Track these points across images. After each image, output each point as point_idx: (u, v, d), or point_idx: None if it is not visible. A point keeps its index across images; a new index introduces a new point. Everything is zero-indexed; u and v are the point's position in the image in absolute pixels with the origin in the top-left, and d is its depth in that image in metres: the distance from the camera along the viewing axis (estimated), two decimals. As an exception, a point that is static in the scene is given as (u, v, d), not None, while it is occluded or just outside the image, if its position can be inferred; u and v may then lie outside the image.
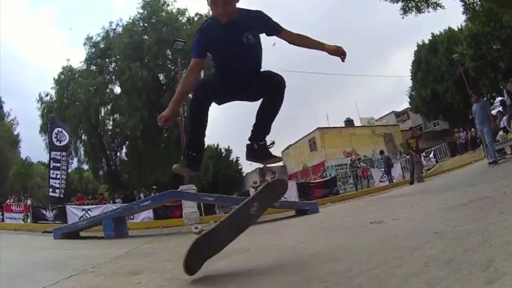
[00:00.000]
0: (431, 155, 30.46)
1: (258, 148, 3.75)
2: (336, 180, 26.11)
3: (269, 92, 3.66)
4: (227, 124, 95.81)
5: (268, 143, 3.85)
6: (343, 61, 3.55)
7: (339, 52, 3.51)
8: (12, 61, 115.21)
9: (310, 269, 2.88)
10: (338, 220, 7.00)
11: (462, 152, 29.50)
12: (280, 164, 52.74)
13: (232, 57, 3.50)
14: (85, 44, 36.12)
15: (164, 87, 34.50)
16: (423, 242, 2.91)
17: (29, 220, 22.57)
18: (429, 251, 2.55)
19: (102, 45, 36.01)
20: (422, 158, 23.42)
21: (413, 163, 17.11)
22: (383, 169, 27.19)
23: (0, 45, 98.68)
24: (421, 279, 1.94)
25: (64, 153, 20.15)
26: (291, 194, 20.96)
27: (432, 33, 44.31)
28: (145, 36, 34.41)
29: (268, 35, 3.62)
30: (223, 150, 54.23)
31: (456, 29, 41.89)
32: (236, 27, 3.36)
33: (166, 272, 3.55)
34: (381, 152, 29.41)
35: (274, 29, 3.57)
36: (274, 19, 3.57)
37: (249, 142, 3.82)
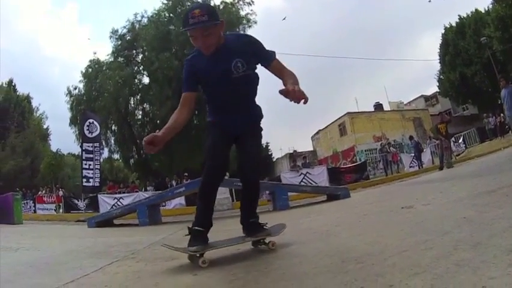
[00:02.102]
0: (460, 140, 29.76)
1: (247, 225, 3.65)
2: (366, 165, 26.06)
3: (243, 180, 3.58)
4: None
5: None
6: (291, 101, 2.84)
7: (290, 93, 2.79)
8: (37, 58, 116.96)
9: (346, 251, 2.95)
10: (369, 205, 7.10)
11: (491, 138, 28.80)
12: (311, 148, 52.75)
13: (221, 89, 3.38)
14: (110, 37, 36.52)
15: None
16: (452, 226, 3.00)
17: (61, 210, 23.29)
18: (458, 235, 2.64)
19: (128, 37, 36.24)
20: (452, 143, 23.15)
21: (443, 148, 16.92)
22: (413, 154, 26.69)
23: (22, 41, 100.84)
24: (450, 260, 2.03)
25: (96, 144, 20.37)
26: (322, 179, 21.00)
27: (459, 16, 43.01)
28: (172, 27, 34.27)
29: (257, 63, 3.38)
30: (252, 136, 53.75)
31: (483, 11, 40.57)
32: (223, 54, 3.22)
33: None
34: (411, 138, 28.81)
35: (264, 60, 3.31)
36: (266, 48, 3.34)
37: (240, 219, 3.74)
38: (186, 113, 3.40)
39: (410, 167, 25.98)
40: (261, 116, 3.79)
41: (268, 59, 3.29)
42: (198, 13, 2.96)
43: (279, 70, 3.28)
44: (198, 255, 3.17)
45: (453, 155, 21.17)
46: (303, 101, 2.84)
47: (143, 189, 26.03)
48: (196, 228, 3.30)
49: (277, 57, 3.33)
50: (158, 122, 33.15)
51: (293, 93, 2.80)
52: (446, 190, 6.34)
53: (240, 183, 3.64)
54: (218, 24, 3.10)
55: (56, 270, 3.57)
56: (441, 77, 45.14)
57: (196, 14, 2.96)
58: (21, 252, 5.27)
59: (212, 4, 35.17)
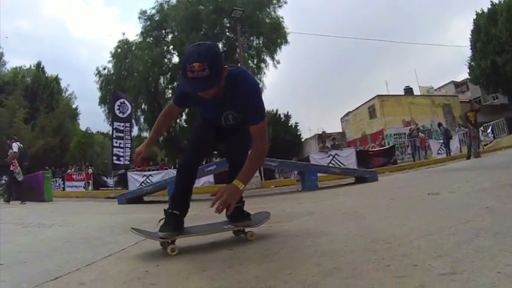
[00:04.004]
0: (489, 130, 28.95)
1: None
2: (395, 149, 25.62)
3: (230, 162, 3.42)
4: (286, 89, 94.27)
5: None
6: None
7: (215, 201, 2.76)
8: (65, 40, 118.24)
9: (374, 232, 3.04)
10: (397, 189, 7.15)
11: (519, 130, 27.99)
12: (340, 130, 52.37)
13: (210, 121, 3.27)
14: (139, 17, 36.44)
15: (224, 55, 34.08)
16: (475, 215, 3.08)
17: (90, 188, 23.72)
18: (480, 224, 2.73)
19: (157, 18, 36.08)
20: (480, 132, 22.71)
21: (471, 137, 16.75)
22: (442, 141, 26.21)
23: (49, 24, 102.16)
24: (471, 246, 2.14)
25: (127, 124, 20.36)
26: (350, 161, 20.81)
27: (491, 2, 40.82)
28: (201, 7, 34.02)
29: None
30: (282, 116, 53.50)
31: (516, -2, 38.48)
32: (217, 101, 2.93)
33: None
34: (439, 125, 28.31)
35: (248, 120, 2.99)
36: (257, 111, 2.99)
37: None
38: (169, 123, 3.49)
39: (438, 154, 25.51)
40: None
41: (251, 122, 2.98)
42: (198, 67, 2.51)
43: (255, 140, 3.02)
44: (169, 241, 3.04)
45: (481, 145, 20.89)
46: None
47: (172, 167, 25.76)
48: (170, 211, 3.17)
49: (263, 121, 3.01)
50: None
51: (217, 203, 2.74)
52: (472, 180, 6.34)
53: (228, 164, 3.49)
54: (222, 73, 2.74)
55: (92, 245, 3.68)
56: (472, 63, 43.18)
57: (195, 69, 2.51)
58: (56, 228, 5.38)
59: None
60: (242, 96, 2.90)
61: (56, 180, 25.33)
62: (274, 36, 34.27)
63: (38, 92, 46.43)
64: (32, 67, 50.67)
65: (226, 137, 3.33)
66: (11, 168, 14.44)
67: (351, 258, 2.30)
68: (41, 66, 50.64)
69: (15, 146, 14.64)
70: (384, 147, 27.82)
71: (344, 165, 20.01)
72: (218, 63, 2.64)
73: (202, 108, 3.25)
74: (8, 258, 3.07)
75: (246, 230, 3.37)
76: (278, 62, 35.85)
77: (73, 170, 29.11)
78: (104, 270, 2.60)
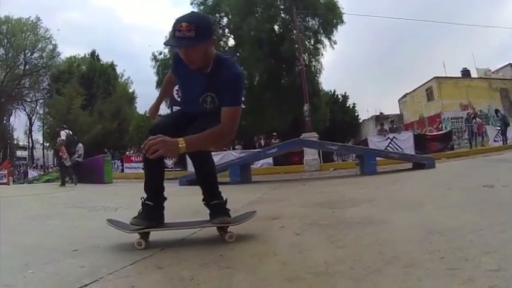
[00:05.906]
0: None
1: (209, 207, 3.21)
2: (452, 134, 24.88)
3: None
4: (343, 70, 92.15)
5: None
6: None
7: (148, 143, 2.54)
8: (117, 27, 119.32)
9: (431, 223, 3.13)
10: (453, 179, 7.15)
11: None
12: (397, 111, 51.19)
13: (188, 101, 3.22)
14: (191, 3, 36.37)
15: (281, 36, 33.95)
16: None
17: None
18: None
19: (210, 3, 35.91)
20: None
21: (527, 125, 16.23)
22: (499, 128, 25.16)
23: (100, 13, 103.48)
24: None
25: None
26: (408, 145, 20.61)
27: None
28: None
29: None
30: (339, 96, 52.79)
31: None
32: (201, 79, 2.91)
33: (304, 217, 3.71)
34: (496, 111, 27.34)
35: (223, 101, 2.86)
36: (236, 95, 2.90)
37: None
38: (168, 85, 3.76)
39: (495, 141, 24.69)
40: None
41: (226, 103, 2.86)
42: (185, 27, 2.55)
43: (223, 120, 2.82)
44: (139, 233, 2.96)
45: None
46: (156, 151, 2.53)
47: (231, 148, 25.91)
48: (145, 201, 3.11)
49: (239, 106, 2.94)
50: (255, 83, 33.15)
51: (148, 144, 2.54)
52: (527, 173, 6.36)
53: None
54: (208, 41, 2.73)
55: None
56: (530, 44, 40.78)
57: (182, 28, 2.55)
58: (122, 211, 5.20)
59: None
60: (227, 80, 2.84)
61: (114, 162, 26.29)
62: (330, 17, 33.71)
63: (94, 78, 47.93)
64: (87, 55, 52.59)
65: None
66: (60, 153, 15.53)
67: (410, 248, 2.42)
68: (96, 54, 52.23)
69: (63, 134, 15.74)
70: (441, 132, 27.00)
71: (402, 149, 19.80)
72: (206, 29, 2.66)
73: (185, 82, 3.17)
74: (81, 244, 3.12)
75: (228, 229, 3.12)
76: (335, 43, 35.03)
77: (132, 152, 30.11)
78: (179, 254, 2.69)
